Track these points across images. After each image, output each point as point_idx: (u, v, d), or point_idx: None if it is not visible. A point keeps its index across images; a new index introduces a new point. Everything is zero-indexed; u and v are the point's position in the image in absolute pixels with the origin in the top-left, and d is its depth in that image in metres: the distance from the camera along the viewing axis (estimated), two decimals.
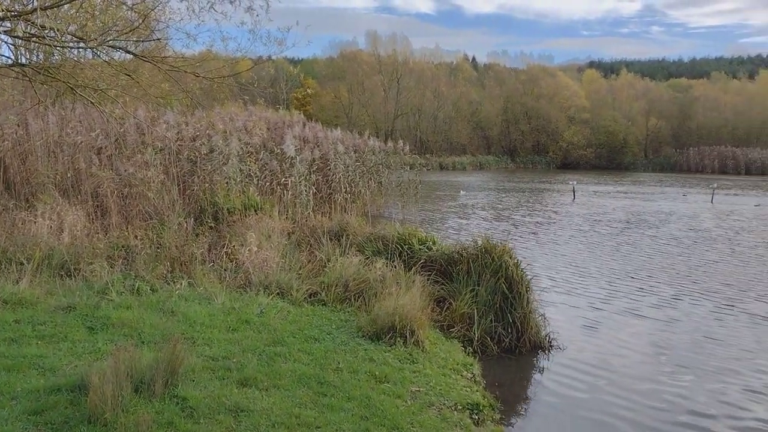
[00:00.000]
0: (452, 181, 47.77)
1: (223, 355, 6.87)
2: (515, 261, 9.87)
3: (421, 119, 77.25)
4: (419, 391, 6.63)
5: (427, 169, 61.07)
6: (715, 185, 40.93)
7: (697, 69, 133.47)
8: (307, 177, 16.54)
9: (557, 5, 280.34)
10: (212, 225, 12.50)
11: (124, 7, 7.31)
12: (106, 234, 11.39)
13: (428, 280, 9.97)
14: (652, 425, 7.02)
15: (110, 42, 6.66)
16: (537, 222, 24.62)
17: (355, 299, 9.45)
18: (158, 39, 8.66)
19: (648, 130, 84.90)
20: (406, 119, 76.68)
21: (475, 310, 9.36)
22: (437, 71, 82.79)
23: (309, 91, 69.76)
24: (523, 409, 7.53)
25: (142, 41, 7.68)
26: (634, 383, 8.20)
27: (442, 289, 10.04)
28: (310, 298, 9.56)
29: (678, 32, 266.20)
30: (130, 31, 6.96)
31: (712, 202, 35.15)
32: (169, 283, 9.34)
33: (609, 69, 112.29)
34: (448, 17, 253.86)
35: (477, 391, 7.04)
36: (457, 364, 7.70)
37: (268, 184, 15.79)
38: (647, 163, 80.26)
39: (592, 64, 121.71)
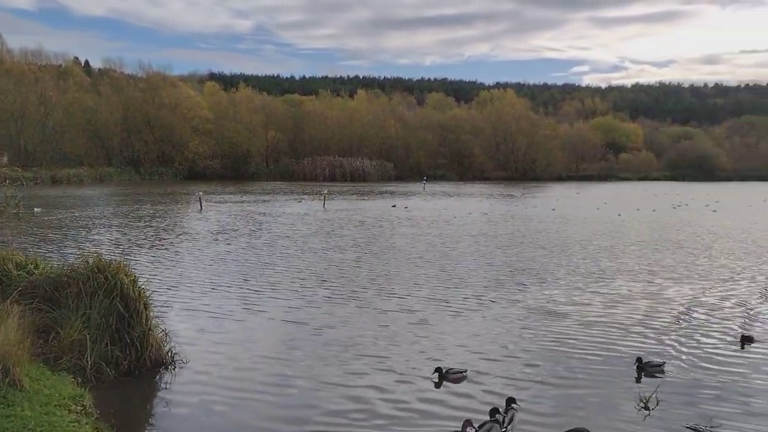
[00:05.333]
0: (60, 197, 43.30)
1: None
2: (132, 278, 9.35)
3: (25, 126, 68.11)
4: None
5: (35, 184, 54.26)
6: (326, 191, 45.64)
7: (307, 86, 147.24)
8: None
9: (173, 16, 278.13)
10: None
11: None
12: None
13: (30, 308, 8.80)
14: (282, 428, 7.34)
15: None
16: (161, 235, 23.96)
17: None
18: None
19: (268, 141, 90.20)
20: (5, 126, 66.67)
21: (88, 336, 8.59)
22: (42, 74, 74.10)
23: None
24: None
25: None
26: (262, 388, 8.38)
27: (48, 316, 8.97)
28: None
29: (289, 52, 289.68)
30: None
31: (324, 207, 39.14)
32: None
33: (229, 82, 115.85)
34: (51, 16, 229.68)
35: (87, 424, 6.45)
36: (65, 398, 6.94)
37: None
38: (269, 172, 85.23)
39: (212, 77, 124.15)
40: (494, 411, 7.10)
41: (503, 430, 6.92)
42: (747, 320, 11.87)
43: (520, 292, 14.18)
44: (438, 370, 8.66)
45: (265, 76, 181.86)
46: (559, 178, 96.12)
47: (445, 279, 15.71)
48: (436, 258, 19.07)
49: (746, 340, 10.31)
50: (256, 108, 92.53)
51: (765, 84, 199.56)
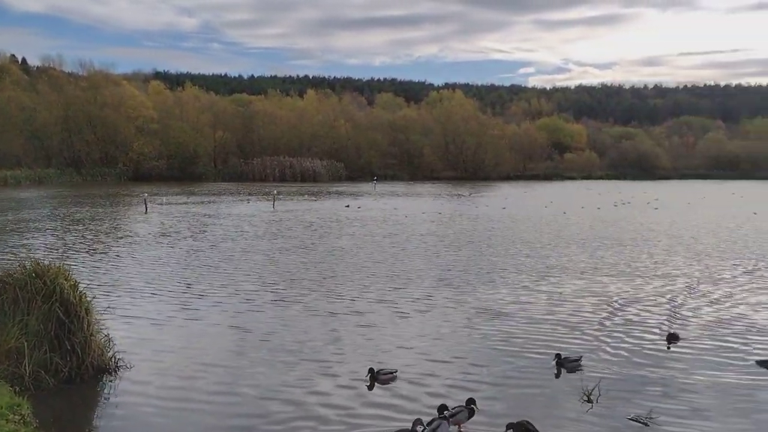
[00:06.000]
0: None
1: None
2: (72, 282, 9.08)
3: None
4: None
5: None
6: (275, 192, 45.24)
7: (256, 86, 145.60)
8: None
9: (117, 13, 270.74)
10: None
11: None
12: None
13: None
14: (226, 426, 7.26)
15: None
16: (101, 239, 23.28)
17: None
18: None
19: (216, 141, 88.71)
20: None
21: (26, 343, 8.31)
22: None
23: None
24: None
25: None
26: (206, 396, 8.22)
27: None
28: None
29: (236, 51, 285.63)
30: None
31: (274, 207, 38.78)
32: None
33: (175, 81, 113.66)
34: None
35: None
36: (1, 408, 6.70)
37: None
38: (217, 172, 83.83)
39: (158, 75, 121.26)
40: (443, 408, 7.18)
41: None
42: (674, 318, 12.19)
43: (468, 292, 14.33)
44: (371, 371, 8.68)
45: (213, 75, 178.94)
46: (507, 178, 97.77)
47: (394, 280, 15.75)
48: (385, 258, 19.13)
49: (672, 338, 10.50)
50: (203, 107, 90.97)
51: (702, 85, 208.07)
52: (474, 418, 7.35)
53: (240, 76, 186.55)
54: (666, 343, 10.41)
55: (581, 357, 9.39)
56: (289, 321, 11.81)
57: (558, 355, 9.24)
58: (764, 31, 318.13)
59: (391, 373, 8.77)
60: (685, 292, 14.44)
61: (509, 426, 6.89)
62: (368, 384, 8.51)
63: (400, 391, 8.29)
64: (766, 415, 7.63)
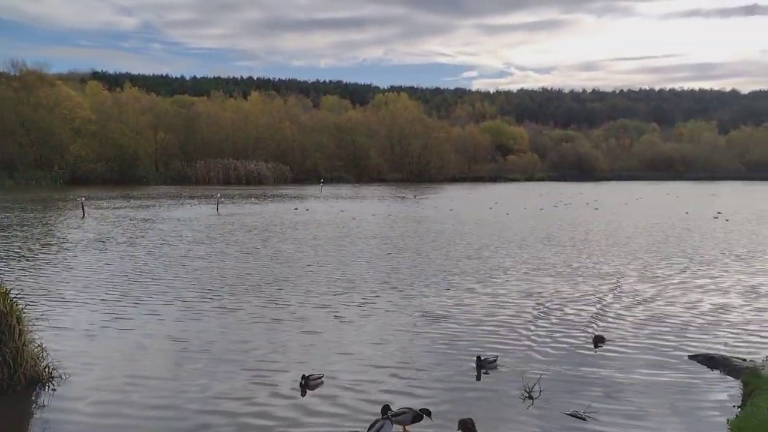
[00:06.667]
0: None
1: None
2: (3, 290, 8.74)
3: None
4: None
5: None
6: (219, 195, 44.47)
7: (198, 87, 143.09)
8: None
9: (51, 11, 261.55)
10: None
11: None
12: None
13: None
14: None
15: None
16: (31, 245, 22.30)
17: None
18: None
19: (157, 143, 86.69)
20: None
21: None
22: None
23: None
24: None
25: None
26: (141, 411, 7.93)
27: None
28: None
29: (178, 51, 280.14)
30: None
31: (217, 211, 38.08)
32: None
33: (113, 81, 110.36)
34: None
35: None
36: None
37: None
38: (159, 175, 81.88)
39: (95, 76, 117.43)
40: (386, 408, 7.22)
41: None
42: (610, 317, 12.44)
43: (413, 296, 14.32)
44: (303, 377, 8.62)
45: (153, 75, 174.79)
46: (453, 179, 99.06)
47: (339, 284, 15.60)
48: (329, 263, 18.95)
49: (598, 340, 10.59)
50: (143, 109, 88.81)
51: (638, 89, 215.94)
52: (424, 421, 7.37)
53: (182, 77, 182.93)
54: (593, 344, 10.48)
55: (497, 357, 9.55)
56: (229, 329, 11.49)
57: (478, 357, 9.34)
58: (696, 37, 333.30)
59: (319, 377, 8.68)
60: (622, 291, 14.85)
61: (461, 422, 7.01)
62: (302, 392, 8.39)
63: (342, 400, 8.17)
64: (698, 407, 7.93)
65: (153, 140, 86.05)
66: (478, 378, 8.99)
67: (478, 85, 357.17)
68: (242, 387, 8.59)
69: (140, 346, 10.47)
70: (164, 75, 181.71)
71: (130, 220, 32.03)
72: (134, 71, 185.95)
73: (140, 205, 42.69)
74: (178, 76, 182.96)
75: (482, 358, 9.34)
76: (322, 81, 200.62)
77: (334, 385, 8.64)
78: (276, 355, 10.00)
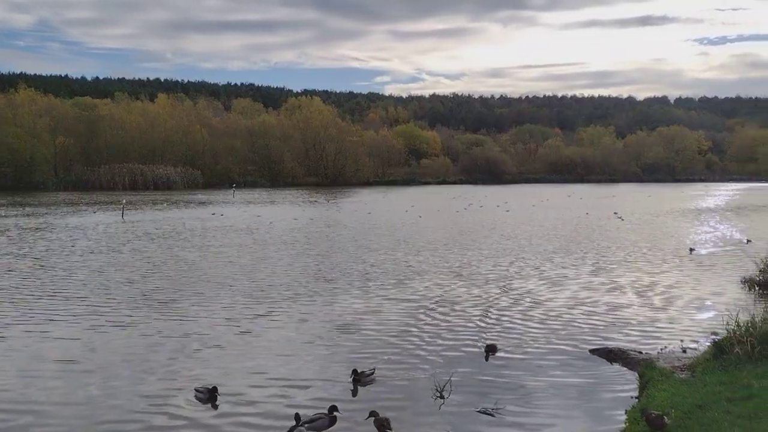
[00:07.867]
0: None
1: None
2: None
3: None
4: None
5: None
6: (125, 201, 42.59)
7: (101, 89, 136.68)
8: None
9: None
10: None
11: None
12: None
13: None
14: None
15: None
16: None
17: None
18: None
19: (56, 148, 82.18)
20: None
21: None
22: None
23: None
24: None
25: None
26: (31, 421, 7.36)
27: None
28: None
29: (78, 51, 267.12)
30: None
31: (123, 218, 36.35)
32: None
33: (7, 83, 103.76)
34: None
35: None
36: None
37: None
38: (59, 181, 77.59)
39: None
40: (297, 417, 7.10)
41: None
42: (502, 323, 12.42)
43: (322, 304, 14.05)
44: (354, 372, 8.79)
45: (51, 76, 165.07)
46: (368, 183, 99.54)
47: (247, 294, 15.04)
48: (237, 271, 18.33)
49: (490, 349, 10.31)
50: (40, 111, 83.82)
51: (542, 96, 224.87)
52: (337, 427, 7.24)
53: (83, 78, 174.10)
54: (484, 355, 10.20)
55: (374, 370, 9.19)
56: (125, 348, 10.63)
57: (354, 371, 8.97)
58: (595, 47, 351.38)
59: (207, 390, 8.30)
60: (526, 293, 15.16)
61: (377, 421, 6.99)
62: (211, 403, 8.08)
63: (246, 419, 7.78)
64: (600, 398, 8.23)
65: (52, 145, 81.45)
66: (354, 394, 8.59)
67: (390, 90, 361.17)
68: (139, 410, 8.00)
69: (23, 371, 9.56)
70: (63, 75, 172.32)
71: (17, 228, 30.00)
72: (30, 71, 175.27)
73: (33, 212, 40.13)
74: (79, 77, 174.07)
75: (359, 372, 8.96)
76: (233, 84, 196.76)
77: (236, 402, 8.26)
78: (177, 375, 9.35)
